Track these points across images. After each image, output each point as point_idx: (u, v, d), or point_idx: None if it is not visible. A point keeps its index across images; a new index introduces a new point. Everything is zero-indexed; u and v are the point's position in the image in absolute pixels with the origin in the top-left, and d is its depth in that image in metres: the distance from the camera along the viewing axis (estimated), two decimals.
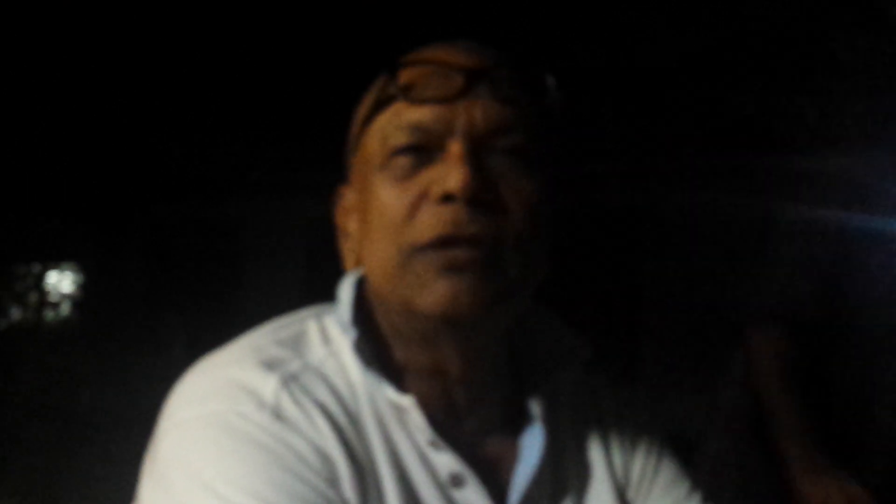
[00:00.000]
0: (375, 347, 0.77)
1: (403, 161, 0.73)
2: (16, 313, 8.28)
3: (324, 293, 0.87)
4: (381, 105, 0.76)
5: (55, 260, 8.37)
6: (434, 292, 0.70)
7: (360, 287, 0.81)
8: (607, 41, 3.59)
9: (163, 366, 5.87)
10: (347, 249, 0.83)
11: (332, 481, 0.69)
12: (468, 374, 0.77)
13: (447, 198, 0.70)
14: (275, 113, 4.98)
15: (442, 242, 0.70)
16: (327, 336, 0.79)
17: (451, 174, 0.70)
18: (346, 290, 0.80)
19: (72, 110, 4.96)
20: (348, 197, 0.83)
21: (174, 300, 7.52)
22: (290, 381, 0.73)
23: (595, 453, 0.85)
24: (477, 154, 0.72)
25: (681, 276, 6.02)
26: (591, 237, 6.18)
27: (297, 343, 0.77)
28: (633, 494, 0.85)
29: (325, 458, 0.70)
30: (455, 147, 0.71)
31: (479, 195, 0.70)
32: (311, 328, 0.80)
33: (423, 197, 0.72)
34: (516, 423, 0.81)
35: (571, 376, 0.86)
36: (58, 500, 4.16)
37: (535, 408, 0.80)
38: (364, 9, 3.41)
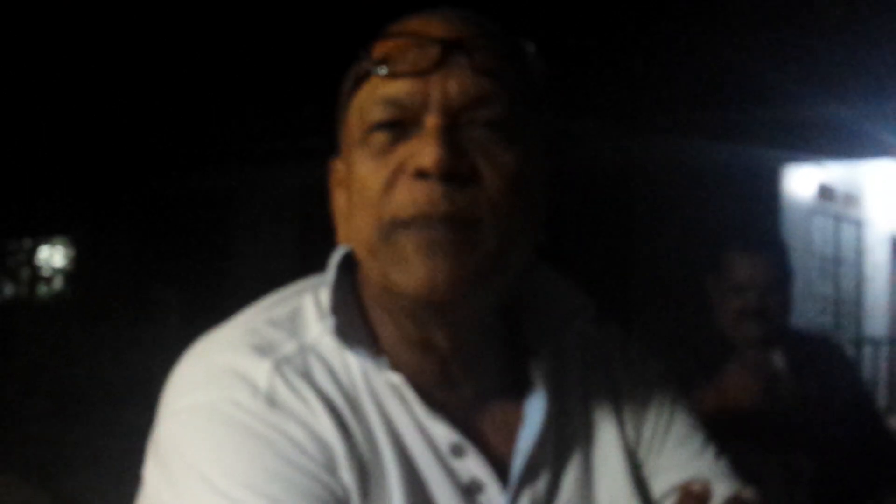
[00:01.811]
0: (364, 325, 0.77)
1: (380, 136, 0.73)
2: (8, 289, 8.27)
3: (317, 261, 0.86)
4: (360, 80, 0.75)
5: (47, 234, 8.35)
6: (412, 273, 0.69)
7: (352, 261, 0.80)
8: None
9: (157, 337, 5.88)
10: (338, 223, 0.82)
11: (330, 467, 0.69)
12: (458, 347, 0.76)
13: (422, 174, 0.69)
14: (263, 82, 4.95)
15: (419, 221, 0.70)
16: (323, 310, 0.78)
17: (425, 150, 0.69)
18: (330, 271, 0.79)
19: (61, 87, 4.93)
20: (338, 170, 0.82)
21: (167, 272, 7.52)
22: (283, 364, 0.73)
23: (604, 413, 0.84)
24: (453, 128, 0.71)
25: (673, 239, 6.02)
26: (582, 198, 6.16)
27: (292, 321, 0.77)
28: (646, 450, 0.85)
29: (322, 444, 0.70)
30: (430, 121, 0.71)
31: (454, 170, 0.69)
32: (308, 303, 0.79)
33: (399, 172, 0.71)
34: (520, 389, 0.80)
35: (579, 334, 0.85)
36: (55, 472, 4.19)
37: (538, 372, 0.80)
38: None
